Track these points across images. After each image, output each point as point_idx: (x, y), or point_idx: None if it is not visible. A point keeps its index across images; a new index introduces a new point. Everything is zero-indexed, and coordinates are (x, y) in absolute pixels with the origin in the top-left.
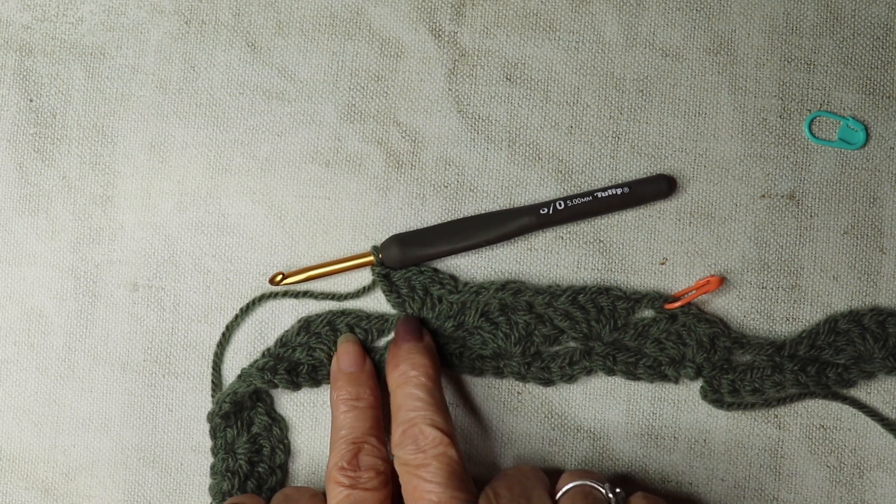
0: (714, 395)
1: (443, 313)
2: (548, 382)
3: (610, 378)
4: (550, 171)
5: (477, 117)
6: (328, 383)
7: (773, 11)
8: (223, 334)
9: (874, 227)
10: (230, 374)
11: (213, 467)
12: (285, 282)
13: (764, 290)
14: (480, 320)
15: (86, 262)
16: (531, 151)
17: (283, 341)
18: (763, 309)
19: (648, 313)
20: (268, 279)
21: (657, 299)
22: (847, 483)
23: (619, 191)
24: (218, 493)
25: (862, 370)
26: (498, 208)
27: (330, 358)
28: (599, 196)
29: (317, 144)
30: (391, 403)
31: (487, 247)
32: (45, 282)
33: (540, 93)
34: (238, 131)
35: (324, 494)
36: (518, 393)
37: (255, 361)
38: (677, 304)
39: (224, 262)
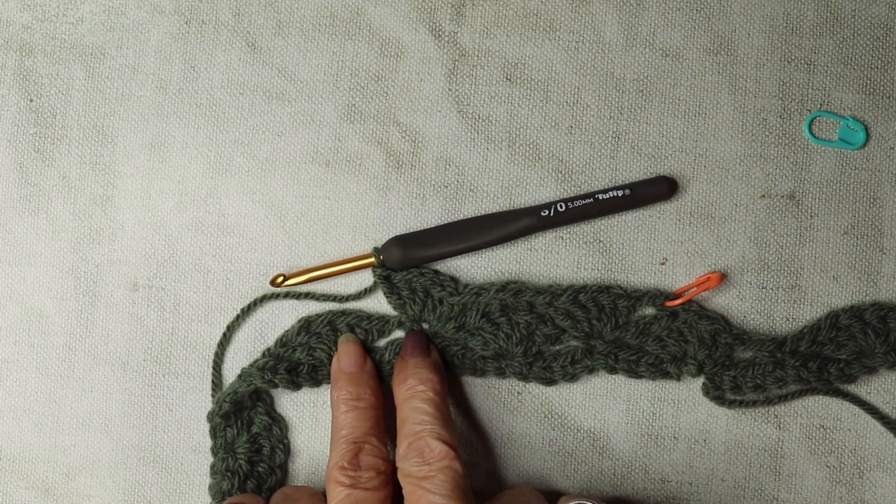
0: (716, 392)
1: (444, 315)
2: (550, 382)
3: (610, 378)
4: (550, 171)
5: (477, 117)
6: (328, 383)
7: (773, 11)
8: (224, 334)
9: (874, 227)
10: (230, 374)
11: (212, 467)
12: (286, 283)
13: (764, 290)
14: (481, 321)
15: (86, 261)
16: (531, 151)
17: (283, 341)
18: (763, 309)
19: (649, 311)
20: (269, 281)
21: (658, 297)
22: (847, 483)
23: (619, 192)
24: (218, 493)
25: (863, 365)
26: (498, 208)
27: (330, 358)
28: (600, 198)
29: (317, 144)
30: (398, 416)
31: (488, 248)
32: (45, 282)
33: (540, 93)
34: (238, 131)
35: (324, 494)
36: (518, 393)
37: (256, 361)
38: (678, 302)
39: (224, 262)
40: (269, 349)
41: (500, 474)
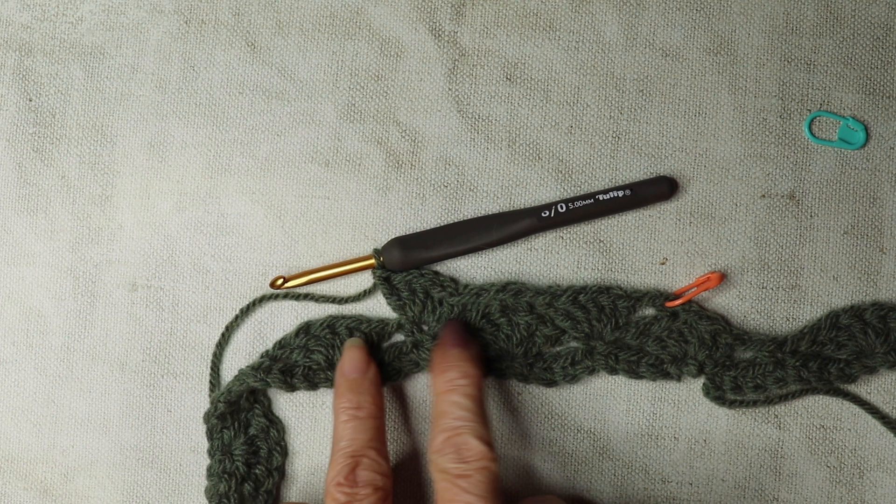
0: (716, 392)
1: (444, 316)
2: (550, 383)
3: (610, 378)
4: (550, 170)
5: (477, 117)
6: (326, 387)
7: (773, 11)
8: (223, 335)
9: (874, 227)
10: (229, 375)
11: (209, 469)
12: (286, 286)
13: (764, 290)
14: (482, 322)
15: (85, 261)
16: (531, 151)
17: (281, 343)
18: (763, 309)
19: (649, 312)
20: (268, 283)
21: (658, 297)
22: (847, 483)
23: (620, 193)
24: (214, 496)
25: (864, 365)
26: (498, 208)
27: (328, 361)
28: (601, 198)
29: (317, 144)
30: (434, 408)
31: (488, 249)
32: (43, 282)
33: (540, 93)
34: (237, 131)
35: None
36: (518, 393)
37: (253, 362)
38: (678, 302)
39: (223, 262)
40: (267, 351)
41: (501, 475)
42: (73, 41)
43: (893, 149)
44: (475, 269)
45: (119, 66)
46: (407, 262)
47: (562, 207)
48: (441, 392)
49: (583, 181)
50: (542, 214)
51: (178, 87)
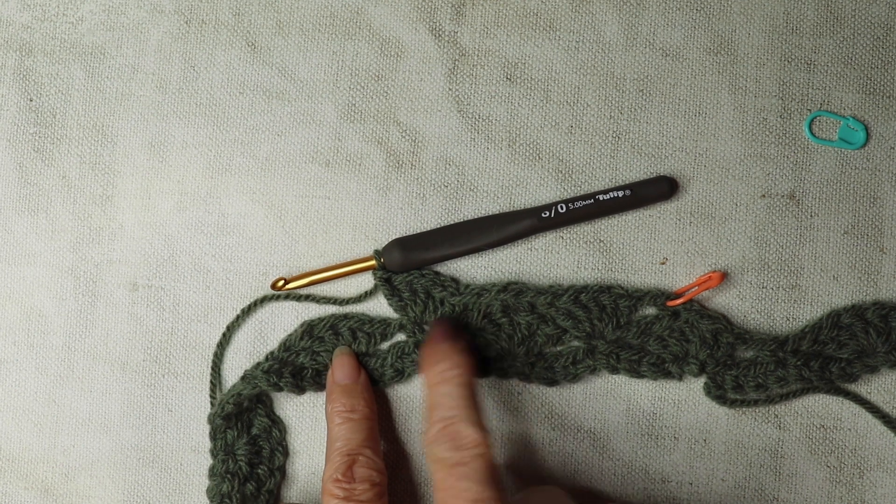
0: (718, 392)
1: (445, 316)
2: (552, 382)
3: (610, 378)
4: (550, 170)
5: (477, 117)
6: None
7: (773, 11)
8: (223, 335)
9: (874, 227)
10: (229, 374)
11: (212, 469)
12: (287, 287)
13: (764, 290)
14: (483, 322)
15: (85, 261)
16: (531, 151)
17: (286, 345)
18: (763, 309)
19: (651, 311)
20: (269, 284)
21: (659, 297)
22: (847, 483)
23: (620, 193)
24: (216, 496)
25: (865, 364)
26: (498, 208)
27: None
28: (601, 198)
29: (317, 144)
30: (427, 400)
31: (488, 249)
32: (44, 282)
33: (540, 93)
34: (238, 131)
35: None
36: (518, 393)
37: (260, 364)
38: (679, 301)
39: (224, 261)
40: (272, 353)
41: (501, 475)
42: (74, 41)
43: (893, 149)
44: (475, 269)
45: (119, 67)
46: (407, 262)
47: (562, 208)
48: (432, 384)
49: (583, 181)
50: (543, 215)
51: (178, 87)
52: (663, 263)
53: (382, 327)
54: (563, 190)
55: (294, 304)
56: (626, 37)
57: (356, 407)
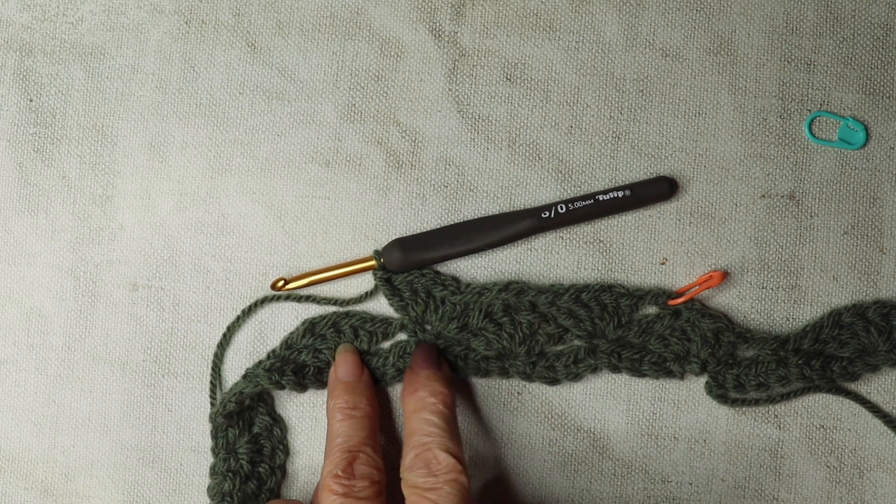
0: (719, 391)
1: (446, 315)
2: (553, 381)
3: (610, 378)
4: (550, 171)
5: (477, 117)
6: None
7: (773, 11)
8: (224, 335)
9: (874, 227)
10: (229, 374)
11: (213, 467)
12: (287, 287)
13: (764, 290)
14: (484, 321)
15: (85, 261)
16: (531, 151)
17: (288, 343)
18: (763, 309)
19: (652, 310)
20: (269, 284)
21: (660, 296)
22: (847, 483)
23: (620, 193)
24: (217, 494)
25: (866, 363)
26: (498, 208)
27: None
28: (601, 199)
29: (317, 144)
30: (405, 428)
31: (488, 250)
32: (44, 282)
33: (540, 93)
34: (238, 131)
35: None
36: (518, 393)
37: (262, 362)
38: (681, 300)
39: (224, 262)
40: (274, 351)
41: (501, 474)
42: (74, 41)
43: (893, 149)
44: (475, 269)
45: (119, 67)
46: (407, 263)
47: (562, 208)
48: (411, 411)
49: (583, 181)
50: (543, 215)
51: (178, 87)
52: (663, 264)
53: (384, 326)
54: (563, 190)
55: (294, 304)
56: (626, 37)
57: (358, 404)
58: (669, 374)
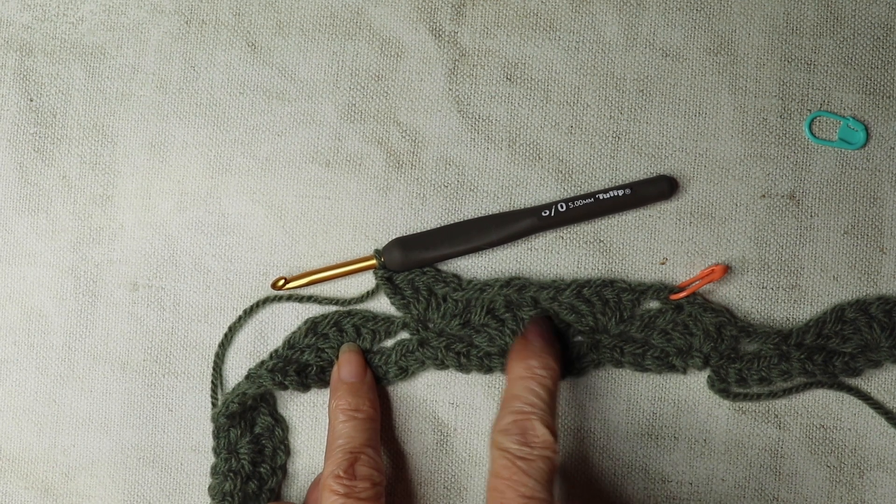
0: (721, 385)
1: (448, 312)
2: None
3: (610, 378)
4: (550, 170)
5: (477, 117)
6: None
7: (773, 11)
8: (225, 335)
9: (874, 227)
10: (229, 374)
11: (214, 467)
12: (287, 287)
13: (764, 290)
14: (486, 318)
15: (86, 261)
16: (531, 151)
17: (290, 343)
18: (763, 308)
19: (654, 305)
20: (270, 284)
21: (662, 290)
22: (847, 483)
23: (620, 192)
24: (218, 493)
25: (869, 359)
26: (498, 208)
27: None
28: (601, 198)
29: (317, 144)
30: (507, 391)
31: (489, 249)
32: (45, 281)
33: (540, 93)
34: (238, 131)
35: None
36: None
37: (264, 363)
38: (683, 295)
39: (224, 261)
40: (276, 351)
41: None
42: (74, 41)
43: (893, 149)
44: (475, 269)
45: (120, 67)
46: (408, 262)
47: (562, 207)
48: (518, 377)
49: (583, 181)
50: (543, 214)
51: (178, 87)
52: (663, 263)
53: (386, 325)
54: (563, 190)
55: (294, 304)
56: (626, 37)
57: (361, 406)
58: (672, 368)
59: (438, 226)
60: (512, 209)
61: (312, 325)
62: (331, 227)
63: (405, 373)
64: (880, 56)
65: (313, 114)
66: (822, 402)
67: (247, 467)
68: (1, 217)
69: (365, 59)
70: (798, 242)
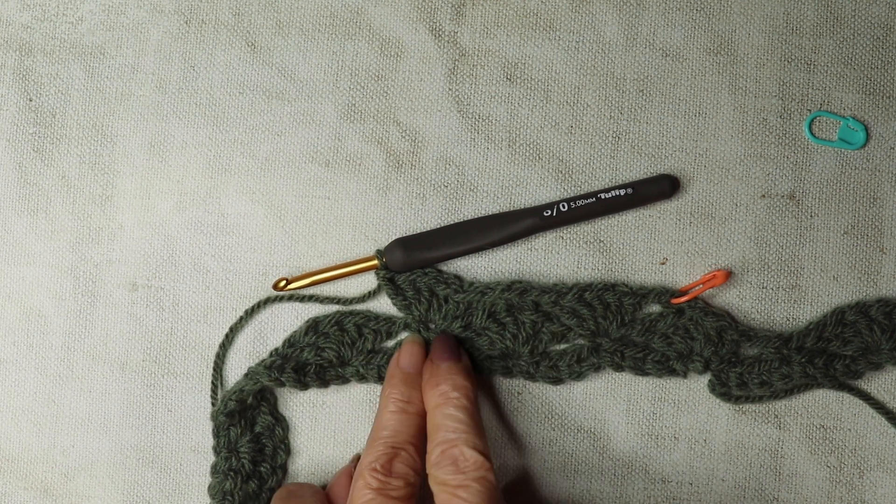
0: (722, 389)
1: (449, 314)
2: (557, 381)
3: (610, 379)
4: (550, 170)
5: (477, 117)
6: (337, 384)
7: (773, 11)
8: (227, 335)
9: (874, 227)
10: (228, 374)
11: (214, 466)
12: (289, 287)
13: (764, 290)
14: (488, 321)
15: (85, 261)
16: (531, 151)
17: (291, 342)
18: (763, 309)
19: (655, 308)
20: (271, 284)
21: (664, 294)
22: (847, 483)
23: (622, 192)
24: (219, 493)
25: (869, 361)
26: (498, 208)
27: (339, 358)
28: (603, 197)
29: (317, 144)
30: (428, 422)
31: (490, 249)
32: (44, 282)
33: (540, 93)
34: (238, 131)
35: (325, 489)
36: (518, 393)
37: (263, 360)
38: (684, 299)
39: (223, 261)
40: (276, 349)
41: (501, 475)
42: (74, 41)
43: (893, 149)
44: (476, 269)
45: (119, 66)
46: (409, 262)
47: (564, 206)
48: (435, 406)
49: (583, 181)
50: (545, 214)
51: (178, 87)
52: (663, 263)
53: (388, 325)
54: (563, 190)
55: (294, 304)
56: (626, 37)
57: (413, 399)
58: (673, 372)
59: (439, 226)
60: (512, 209)
61: (313, 324)
62: (330, 226)
63: None
64: (880, 56)
65: (313, 114)
66: (822, 403)
67: (247, 466)
68: (0, 217)
69: (365, 59)
70: (798, 242)
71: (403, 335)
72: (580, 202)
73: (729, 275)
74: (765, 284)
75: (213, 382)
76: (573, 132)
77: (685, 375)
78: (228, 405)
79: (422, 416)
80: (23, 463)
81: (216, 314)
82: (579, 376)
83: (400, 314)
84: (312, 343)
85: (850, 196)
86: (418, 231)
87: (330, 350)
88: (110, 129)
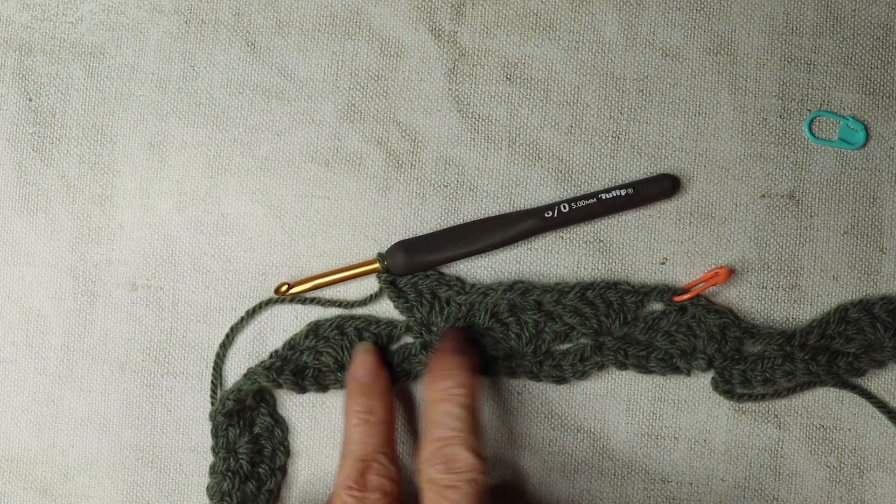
0: (725, 386)
1: (452, 315)
2: (561, 380)
3: (610, 378)
4: (550, 170)
5: (477, 117)
6: (336, 388)
7: (773, 11)
8: (227, 336)
9: (874, 227)
10: (228, 374)
11: (213, 466)
12: (291, 292)
13: (764, 290)
14: (490, 322)
15: (84, 261)
16: (531, 151)
17: (291, 344)
18: (763, 309)
19: (658, 307)
20: (273, 289)
21: (666, 292)
22: (847, 483)
23: (623, 192)
24: (217, 493)
25: (872, 359)
26: (498, 208)
27: (337, 363)
28: (604, 198)
29: (317, 144)
30: (427, 416)
31: (491, 250)
32: (43, 281)
33: (540, 93)
34: (237, 131)
35: None
36: (518, 393)
37: (263, 361)
38: (686, 297)
39: (223, 261)
40: (276, 351)
41: (501, 475)
42: (73, 41)
43: (893, 149)
44: (476, 269)
45: (119, 66)
46: (411, 265)
47: (565, 207)
48: (435, 401)
49: (583, 181)
50: (546, 215)
51: (178, 86)
52: (663, 263)
53: (389, 328)
54: (563, 190)
55: (295, 305)
56: (626, 37)
57: (374, 409)
58: (676, 370)
59: (439, 226)
60: (512, 209)
61: (314, 328)
62: (330, 226)
63: (409, 375)
64: (880, 56)
65: (313, 113)
66: (822, 402)
67: (245, 467)
68: (0, 217)
69: (365, 59)
70: (798, 242)
71: (405, 339)
72: (581, 203)
73: (731, 272)
74: (765, 284)
75: (212, 383)
76: (573, 132)
77: (689, 373)
78: (226, 405)
79: (387, 424)
80: (22, 463)
81: (216, 314)
82: (583, 375)
83: (401, 317)
84: (312, 346)
85: (850, 196)
86: (418, 231)
87: (328, 354)
88: (110, 128)
